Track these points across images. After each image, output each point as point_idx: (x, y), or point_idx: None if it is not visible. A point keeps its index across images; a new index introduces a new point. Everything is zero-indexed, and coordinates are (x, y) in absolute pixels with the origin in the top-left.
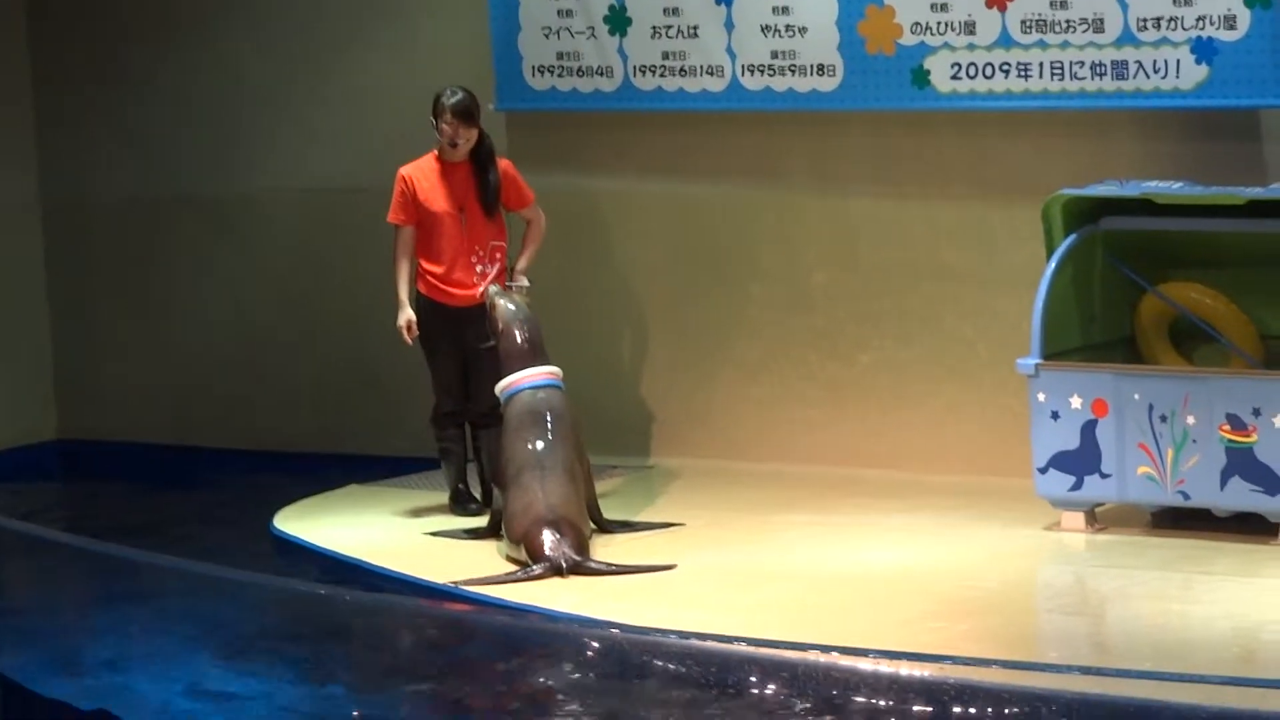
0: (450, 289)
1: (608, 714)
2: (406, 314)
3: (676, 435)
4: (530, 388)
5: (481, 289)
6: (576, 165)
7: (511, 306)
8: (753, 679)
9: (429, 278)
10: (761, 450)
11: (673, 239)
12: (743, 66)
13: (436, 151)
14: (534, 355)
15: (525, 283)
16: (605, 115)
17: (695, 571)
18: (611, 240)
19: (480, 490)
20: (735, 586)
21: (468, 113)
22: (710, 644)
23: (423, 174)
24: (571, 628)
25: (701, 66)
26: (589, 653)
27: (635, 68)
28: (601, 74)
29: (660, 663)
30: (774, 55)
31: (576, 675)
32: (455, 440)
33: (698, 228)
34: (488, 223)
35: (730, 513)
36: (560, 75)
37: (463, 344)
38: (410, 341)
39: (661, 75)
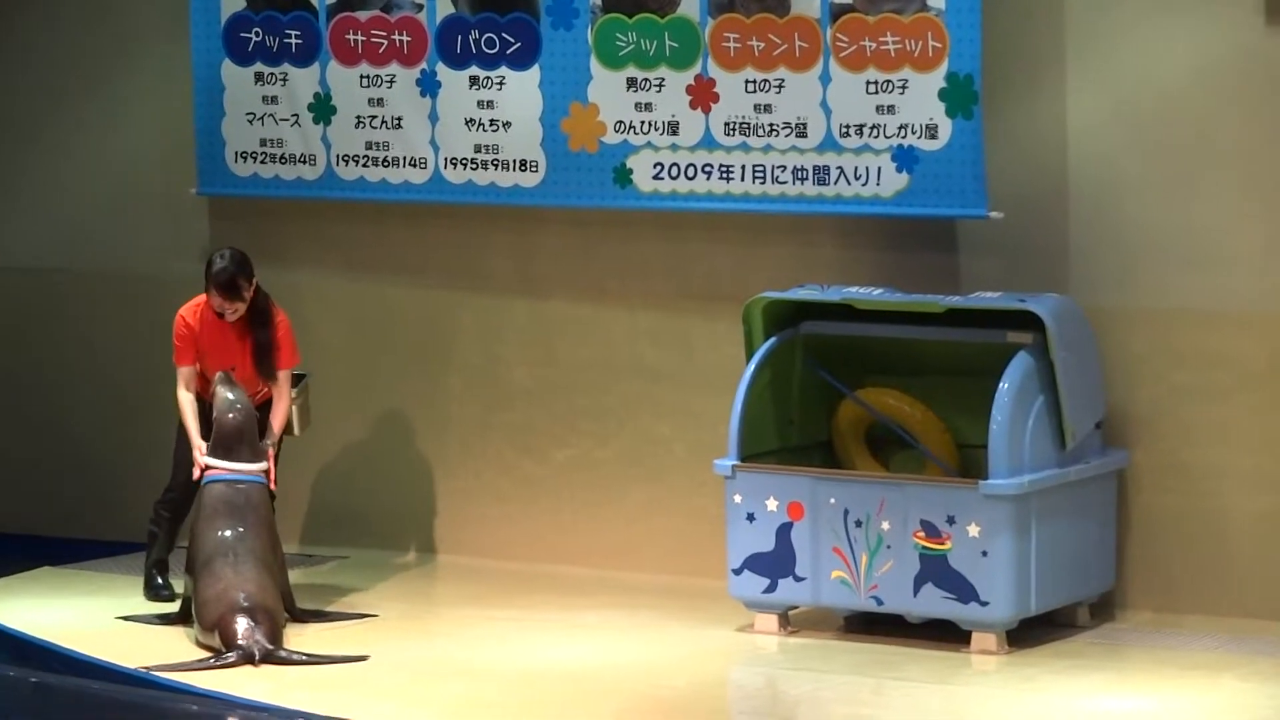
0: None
1: None
2: (201, 458)
3: (372, 527)
4: (228, 480)
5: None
6: (278, 253)
7: (230, 396)
8: None
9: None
10: (456, 544)
11: (373, 331)
12: (446, 159)
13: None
14: (240, 446)
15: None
16: (307, 204)
17: (387, 664)
18: (312, 331)
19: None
20: (427, 680)
21: (232, 286)
22: None
23: (200, 321)
24: (262, 716)
25: (405, 158)
26: None
27: (338, 156)
28: (304, 161)
29: None
30: (477, 149)
31: None
32: (169, 525)
33: (399, 320)
34: (260, 381)
35: (424, 605)
36: (263, 162)
37: None
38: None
39: (364, 165)
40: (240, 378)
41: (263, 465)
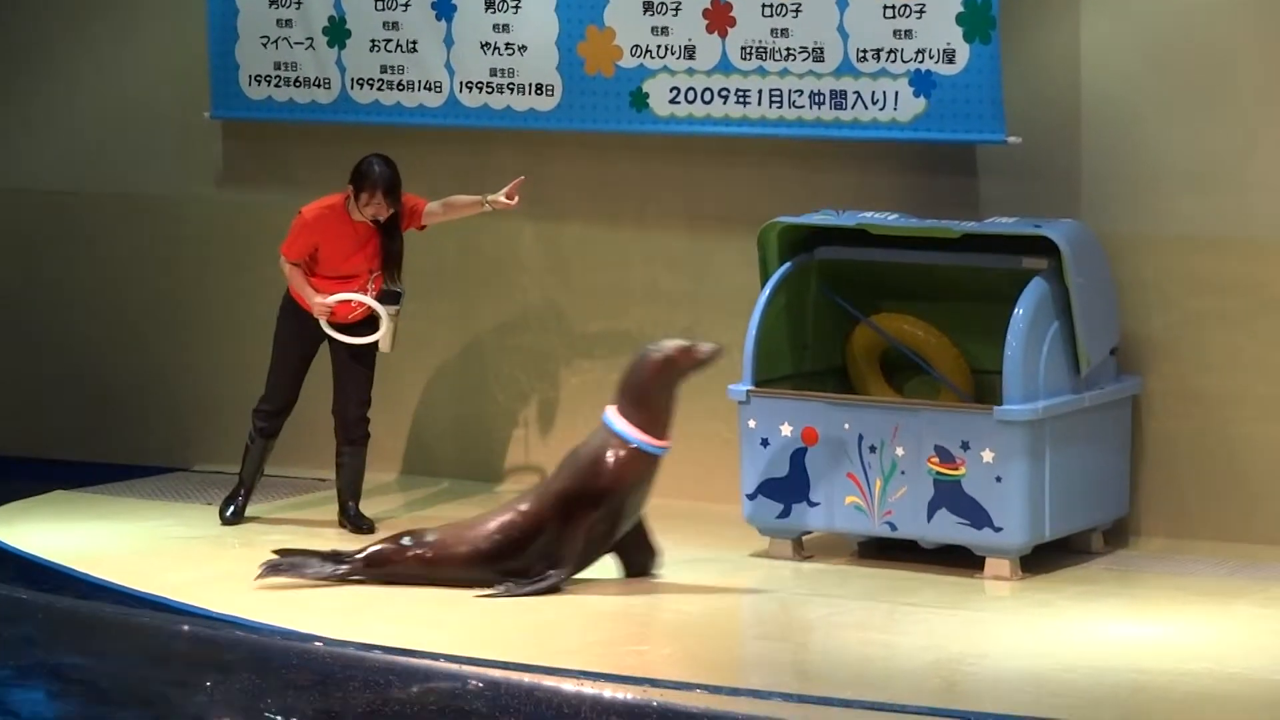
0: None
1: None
2: (324, 302)
3: (386, 450)
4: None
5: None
6: (291, 177)
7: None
8: (455, 696)
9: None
10: (469, 468)
11: None
12: (461, 83)
13: (345, 203)
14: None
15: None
16: (321, 127)
17: (398, 589)
18: None
19: (340, 506)
20: (440, 604)
21: (395, 189)
22: (411, 659)
23: (327, 225)
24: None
25: (420, 81)
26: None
27: (353, 80)
28: (319, 85)
29: (362, 677)
30: (493, 73)
31: (286, 688)
32: (261, 442)
33: (412, 245)
34: (381, 261)
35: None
36: (277, 85)
37: (313, 352)
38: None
39: (379, 89)
40: (372, 281)
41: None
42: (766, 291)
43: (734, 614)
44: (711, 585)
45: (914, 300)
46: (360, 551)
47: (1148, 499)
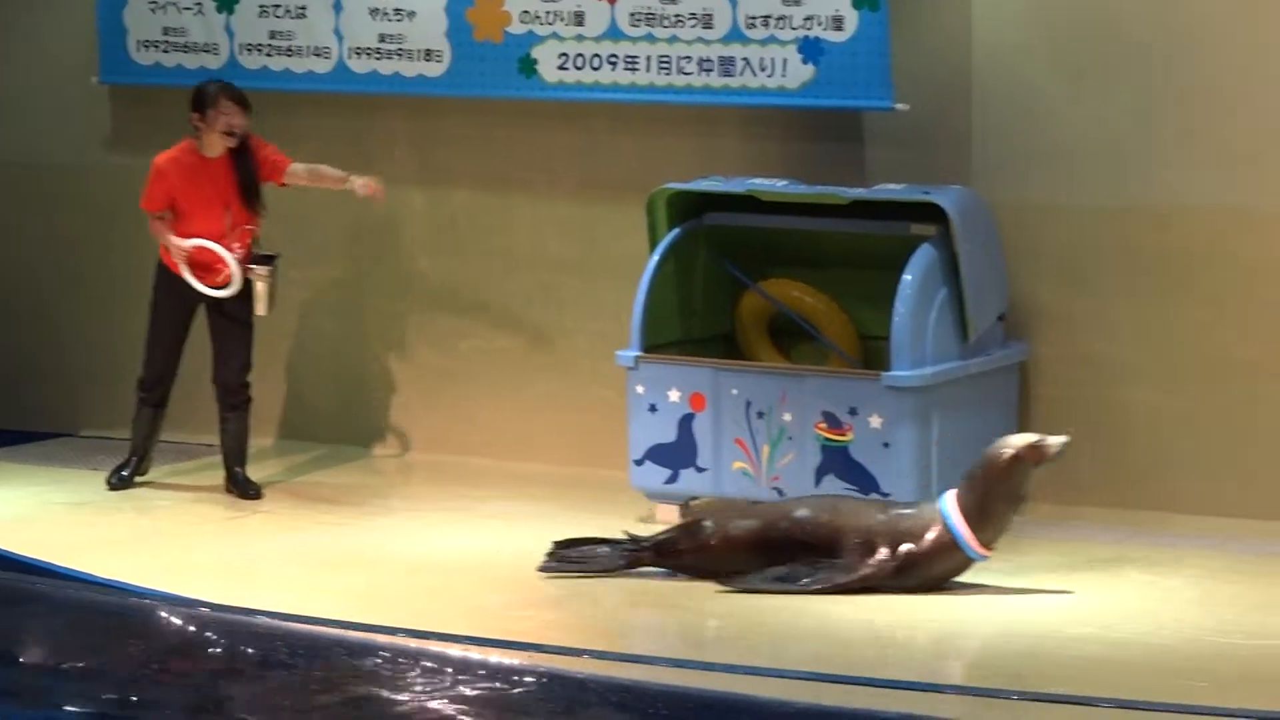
0: (198, 272)
1: (199, 692)
2: (181, 245)
3: (273, 416)
4: None
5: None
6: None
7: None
8: (343, 661)
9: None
10: (358, 435)
11: (275, 221)
12: (350, 49)
13: (194, 143)
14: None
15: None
16: None
17: (285, 554)
18: None
19: (227, 472)
20: (324, 570)
21: (244, 98)
22: (299, 624)
23: (180, 168)
24: (160, 604)
25: (308, 47)
26: (184, 630)
27: (241, 46)
28: (207, 51)
29: (249, 643)
30: (381, 39)
31: (170, 653)
32: (148, 411)
33: (301, 210)
34: (246, 214)
35: (322, 495)
36: (165, 51)
37: (189, 319)
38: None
39: (268, 55)
40: (233, 218)
41: None
42: (655, 258)
43: (621, 580)
44: None
45: (803, 266)
46: (650, 539)
47: None
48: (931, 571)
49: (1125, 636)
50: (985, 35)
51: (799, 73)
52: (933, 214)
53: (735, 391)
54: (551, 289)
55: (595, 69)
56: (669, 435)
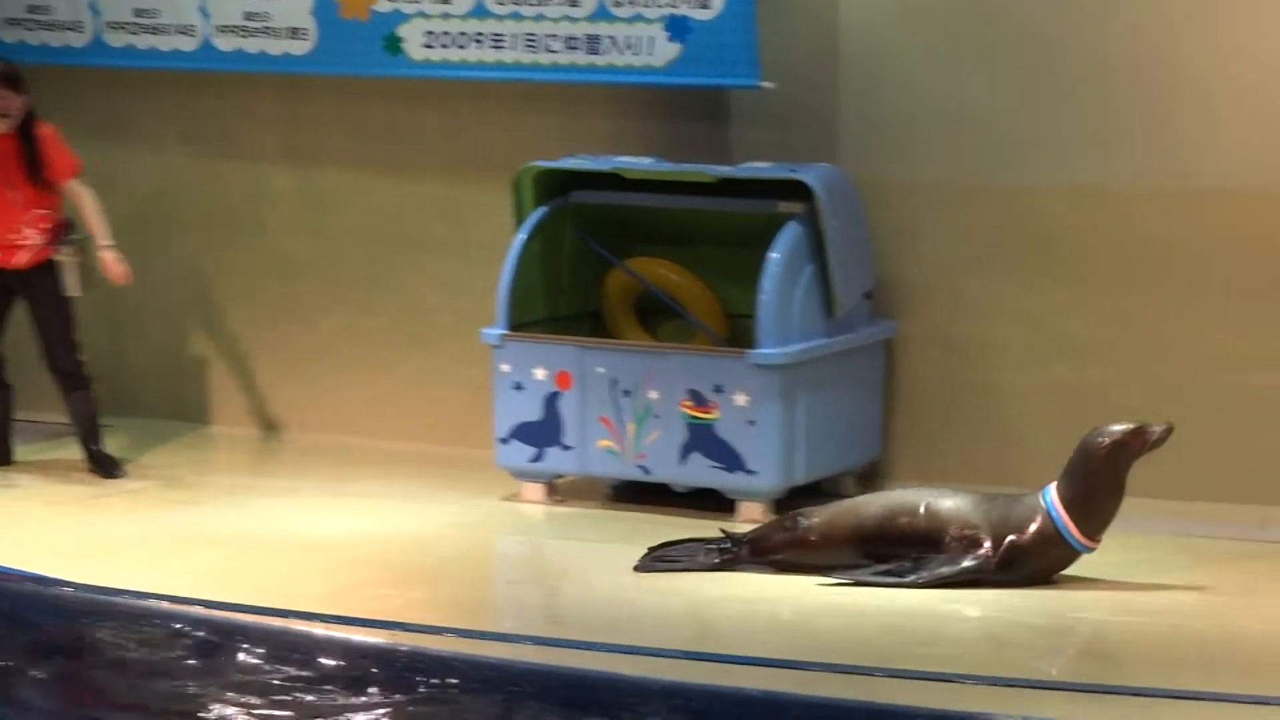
0: None
1: (55, 673)
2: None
3: (136, 395)
4: None
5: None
6: (46, 122)
7: None
8: (200, 640)
9: None
10: (221, 413)
11: (140, 199)
12: (215, 27)
13: None
14: None
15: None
16: (75, 71)
17: (148, 533)
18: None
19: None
20: (186, 548)
21: (14, 78)
22: (161, 604)
23: None
24: (25, 585)
25: (174, 25)
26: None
27: (106, 23)
28: (72, 29)
29: (110, 623)
30: (247, 16)
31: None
32: None
33: (167, 187)
34: (37, 195)
35: (186, 474)
36: (29, 29)
37: (5, 303)
38: None
39: (133, 33)
40: (18, 198)
41: None
42: (521, 236)
43: (486, 558)
44: (463, 529)
45: (669, 244)
46: (745, 537)
47: (900, 442)
48: (1036, 564)
49: (979, 615)
50: (852, 14)
51: (665, 50)
52: (799, 192)
53: (601, 369)
54: (417, 267)
55: (461, 47)
56: (535, 414)
